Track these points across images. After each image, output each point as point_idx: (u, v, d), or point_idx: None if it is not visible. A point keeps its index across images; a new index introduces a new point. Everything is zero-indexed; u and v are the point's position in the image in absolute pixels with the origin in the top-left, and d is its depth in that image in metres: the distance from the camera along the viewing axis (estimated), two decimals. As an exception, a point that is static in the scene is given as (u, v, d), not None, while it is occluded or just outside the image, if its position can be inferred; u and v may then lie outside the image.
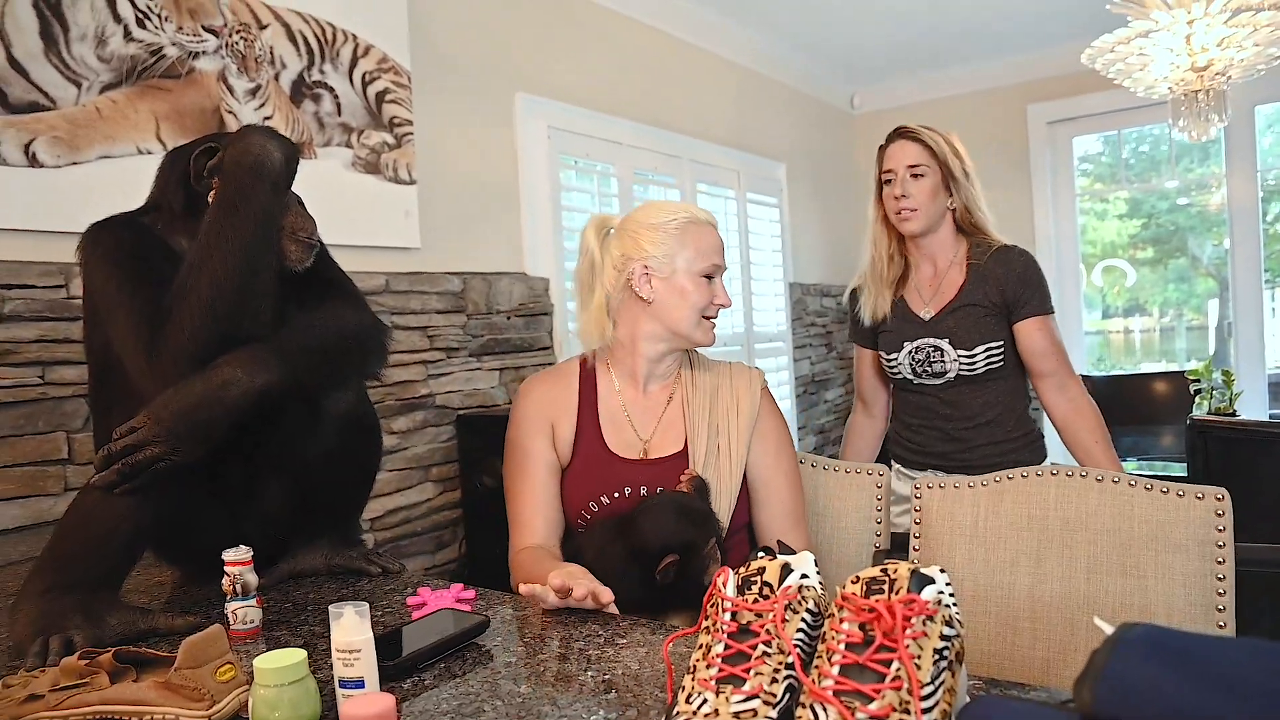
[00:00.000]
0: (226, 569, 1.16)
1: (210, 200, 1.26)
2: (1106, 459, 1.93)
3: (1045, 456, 2.06)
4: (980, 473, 1.95)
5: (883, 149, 2.06)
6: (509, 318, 3.00)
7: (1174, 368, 5.13)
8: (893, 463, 2.18)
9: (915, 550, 1.49)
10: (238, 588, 1.16)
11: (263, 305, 1.25)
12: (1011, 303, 1.97)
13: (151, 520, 1.18)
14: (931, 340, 2.01)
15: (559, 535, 1.50)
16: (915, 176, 1.98)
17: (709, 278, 1.51)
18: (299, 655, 0.84)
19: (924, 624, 0.74)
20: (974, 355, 1.97)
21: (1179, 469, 3.32)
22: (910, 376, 2.06)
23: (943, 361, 2.00)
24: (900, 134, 2.03)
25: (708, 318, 1.52)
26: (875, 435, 2.28)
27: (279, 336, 1.26)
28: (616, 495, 1.47)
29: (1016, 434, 2.02)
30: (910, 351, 2.04)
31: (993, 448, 2.00)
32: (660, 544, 1.31)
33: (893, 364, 2.08)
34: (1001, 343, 1.98)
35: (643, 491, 1.46)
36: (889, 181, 2.02)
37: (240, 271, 1.21)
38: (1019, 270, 1.97)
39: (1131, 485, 1.36)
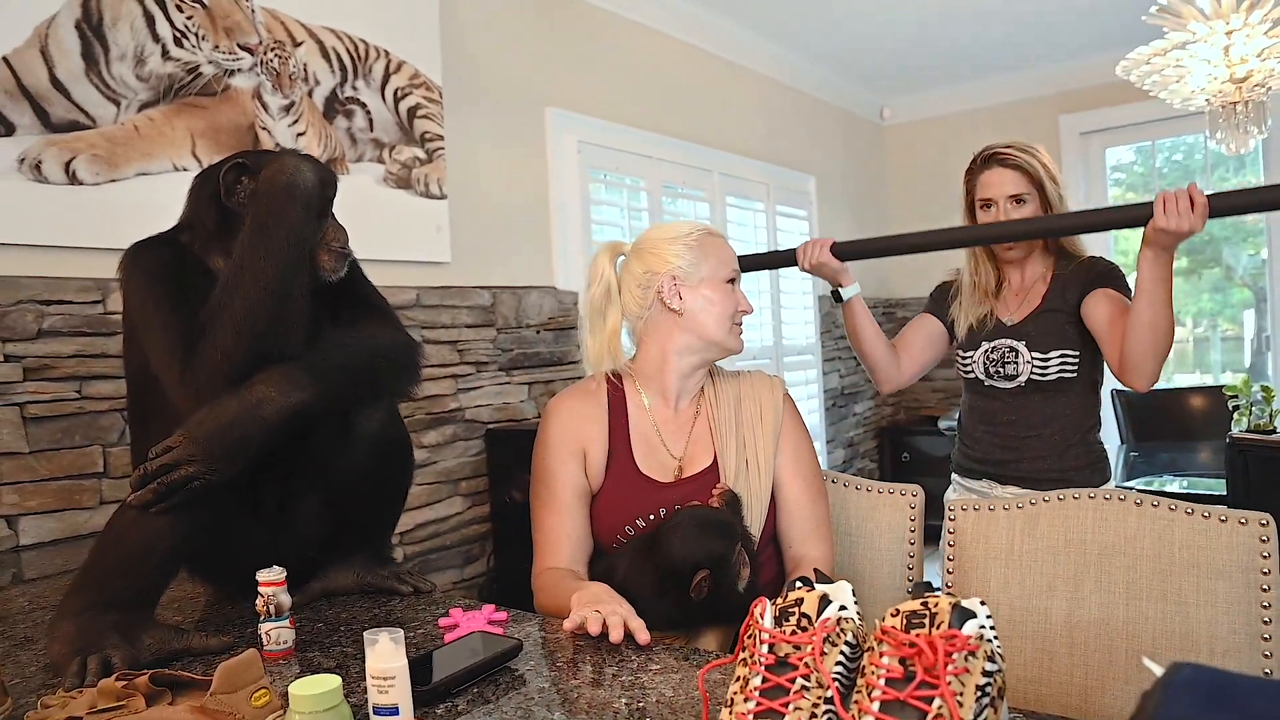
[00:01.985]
0: (260, 589, 1.17)
1: (245, 219, 1.28)
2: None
3: (1107, 480, 2.00)
4: (1035, 486, 1.94)
5: (974, 173, 2.02)
6: (538, 332, 3.00)
7: (1209, 380, 5.05)
8: (952, 475, 2.17)
9: (949, 574, 1.47)
10: (271, 608, 1.16)
11: (296, 324, 1.26)
12: (1087, 290, 1.93)
13: (186, 539, 1.19)
14: (1009, 341, 1.99)
15: (585, 558, 1.49)
16: (1017, 203, 1.95)
17: (731, 284, 1.54)
18: (334, 681, 0.84)
19: (966, 660, 0.73)
20: (1048, 359, 1.94)
21: (1217, 484, 3.26)
22: (982, 376, 2.03)
23: (1016, 363, 1.98)
24: (997, 160, 1.97)
25: (736, 324, 1.54)
26: (890, 362, 2.11)
27: (312, 355, 1.27)
28: (652, 517, 1.46)
29: (1078, 450, 1.97)
30: (986, 350, 2.02)
31: (1051, 461, 1.97)
32: (690, 562, 1.30)
33: (967, 362, 2.06)
34: (1078, 352, 1.94)
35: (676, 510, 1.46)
36: (986, 208, 1.99)
37: (273, 291, 1.22)
38: (1101, 269, 1.96)
39: (1172, 510, 1.34)
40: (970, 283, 2.08)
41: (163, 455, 1.14)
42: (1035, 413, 1.98)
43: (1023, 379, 1.97)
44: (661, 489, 1.48)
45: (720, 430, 1.52)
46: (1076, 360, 1.95)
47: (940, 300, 2.17)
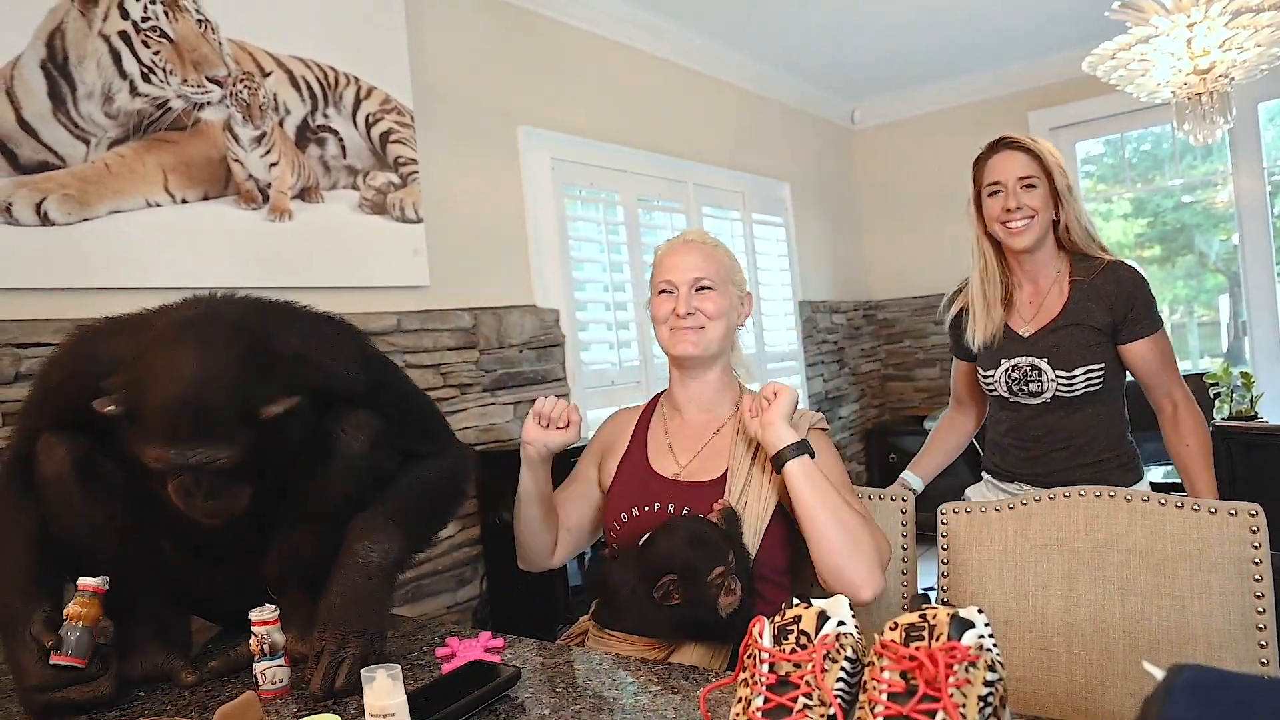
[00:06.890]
0: (253, 629, 1.15)
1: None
2: (1198, 465, 1.88)
3: (1140, 478, 1.97)
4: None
5: (982, 160, 1.97)
6: (521, 351, 2.99)
7: (1188, 366, 5.09)
8: (984, 474, 2.14)
9: (944, 578, 1.47)
10: (265, 647, 1.15)
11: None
12: (1120, 322, 1.88)
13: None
14: (1030, 359, 1.93)
15: (573, 544, 1.65)
16: (1027, 187, 1.89)
17: (665, 293, 1.58)
18: (332, 723, 0.83)
19: (967, 670, 0.73)
20: (1073, 377, 1.89)
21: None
22: (1006, 395, 1.98)
23: (1040, 381, 1.92)
24: (1006, 144, 1.93)
25: (674, 329, 1.56)
26: (966, 430, 2.23)
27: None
28: (646, 509, 1.52)
29: (1108, 455, 1.93)
30: (1007, 370, 1.96)
31: (1083, 469, 1.92)
32: (663, 564, 1.33)
33: (989, 381, 2.00)
34: (1102, 365, 1.89)
35: (670, 509, 1.49)
36: (995, 193, 1.92)
37: None
38: (1129, 289, 1.88)
39: (1161, 504, 1.34)
40: (981, 290, 2.00)
41: None
42: (1063, 428, 1.93)
43: (1048, 396, 1.92)
44: (664, 484, 1.55)
45: (737, 449, 1.54)
46: (1102, 373, 1.90)
47: (957, 337, 2.12)
